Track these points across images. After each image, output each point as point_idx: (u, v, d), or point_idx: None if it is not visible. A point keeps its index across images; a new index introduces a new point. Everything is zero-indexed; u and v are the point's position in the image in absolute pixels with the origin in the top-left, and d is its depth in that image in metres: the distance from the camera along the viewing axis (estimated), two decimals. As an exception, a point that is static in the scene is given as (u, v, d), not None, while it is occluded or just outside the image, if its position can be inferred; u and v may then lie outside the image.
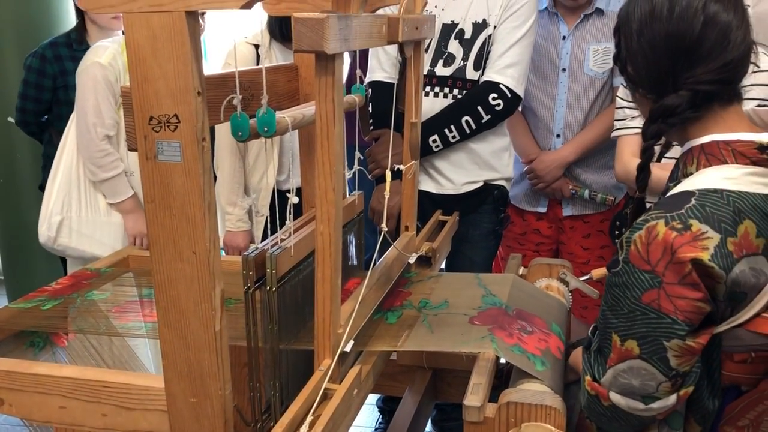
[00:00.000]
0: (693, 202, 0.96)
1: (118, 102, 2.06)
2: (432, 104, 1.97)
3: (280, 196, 2.17)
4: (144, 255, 1.72)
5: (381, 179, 2.04)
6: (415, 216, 1.62)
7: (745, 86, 1.05)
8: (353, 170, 1.39)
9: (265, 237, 2.11)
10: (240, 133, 0.96)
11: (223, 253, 2.17)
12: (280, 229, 1.15)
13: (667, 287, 0.94)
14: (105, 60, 2.03)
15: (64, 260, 2.33)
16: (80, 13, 2.35)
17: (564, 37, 2.18)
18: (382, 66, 2.04)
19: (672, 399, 0.99)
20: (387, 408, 2.40)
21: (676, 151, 1.13)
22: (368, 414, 2.62)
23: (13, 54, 2.79)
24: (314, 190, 1.03)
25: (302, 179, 1.47)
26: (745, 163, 0.99)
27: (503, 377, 1.25)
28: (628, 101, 1.81)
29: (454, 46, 1.96)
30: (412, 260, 1.54)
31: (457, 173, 2.02)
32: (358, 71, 1.39)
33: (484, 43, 1.94)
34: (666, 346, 0.95)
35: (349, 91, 1.38)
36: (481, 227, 2.09)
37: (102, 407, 1.10)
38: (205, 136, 0.91)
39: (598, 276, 1.52)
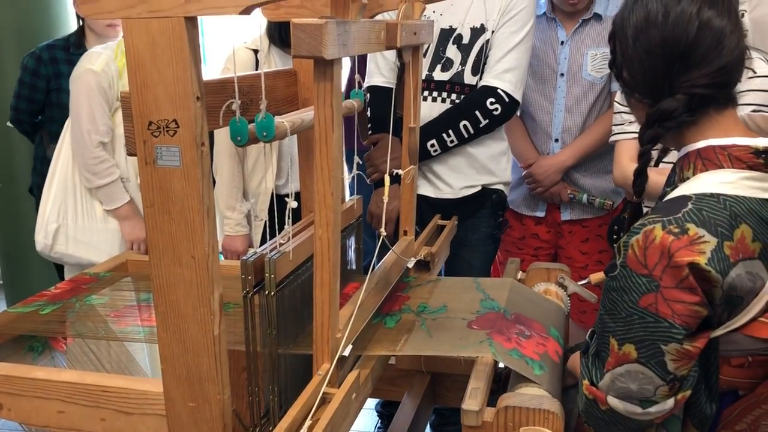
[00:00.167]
0: (690, 206, 0.97)
1: (112, 108, 2.05)
2: (430, 109, 1.97)
3: (278, 201, 2.16)
4: (143, 259, 1.72)
5: (380, 183, 2.03)
6: (413, 220, 1.62)
7: (741, 91, 1.06)
8: (352, 174, 1.40)
9: (263, 241, 2.12)
10: (239, 138, 0.96)
11: (221, 257, 2.17)
12: (279, 233, 1.16)
13: (664, 291, 0.94)
14: (98, 66, 2.02)
15: (60, 267, 2.31)
16: (81, 17, 2.35)
17: (562, 42, 2.19)
18: (381, 71, 2.05)
19: (670, 403, 0.99)
20: (386, 412, 2.40)
21: (673, 155, 1.13)
22: (367, 418, 2.62)
23: (12, 59, 2.78)
24: (313, 194, 1.03)
25: (301, 184, 1.47)
26: (741, 167, 0.99)
27: (501, 381, 1.25)
28: (625, 106, 1.81)
29: (452, 51, 1.96)
30: (410, 264, 1.54)
31: (456, 178, 2.03)
32: (357, 76, 1.39)
33: (482, 48, 1.94)
34: (663, 350, 0.95)
35: (348, 96, 1.38)
36: (479, 231, 2.09)
37: (101, 412, 1.10)
38: (204, 141, 0.91)
39: (597, 280, 1.52)
